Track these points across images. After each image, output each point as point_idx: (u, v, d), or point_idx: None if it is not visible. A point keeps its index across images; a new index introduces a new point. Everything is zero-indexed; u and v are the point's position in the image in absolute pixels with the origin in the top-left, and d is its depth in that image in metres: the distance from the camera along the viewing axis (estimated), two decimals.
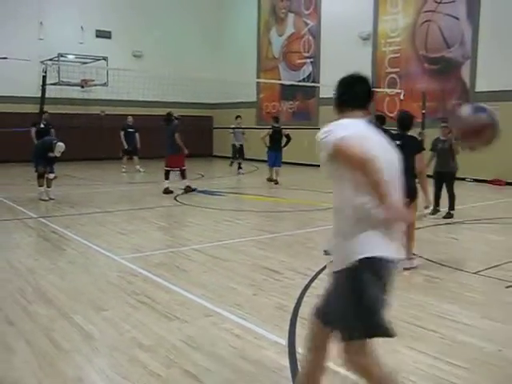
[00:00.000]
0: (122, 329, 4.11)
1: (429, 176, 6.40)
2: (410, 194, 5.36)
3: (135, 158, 16.59)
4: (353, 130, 2.51)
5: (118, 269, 5.82)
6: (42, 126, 12.96)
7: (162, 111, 20.91)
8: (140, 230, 8.02)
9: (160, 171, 12.75)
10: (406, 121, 5.89)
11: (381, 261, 2.48)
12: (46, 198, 10.64)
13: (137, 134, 16.48)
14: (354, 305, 2.47)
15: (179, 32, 22.59)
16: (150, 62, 20.98)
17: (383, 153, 2.56)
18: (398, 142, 5.05)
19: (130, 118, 16.64)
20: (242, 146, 16.68)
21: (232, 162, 17.49)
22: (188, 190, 11.99)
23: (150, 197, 11.52)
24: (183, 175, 12.05)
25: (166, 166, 12.05)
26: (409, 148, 5.34)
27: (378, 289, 2.48)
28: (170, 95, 17.36)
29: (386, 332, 2.53)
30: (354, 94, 2.72)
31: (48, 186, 10.79)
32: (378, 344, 2.62)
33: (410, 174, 5.41)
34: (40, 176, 10.71)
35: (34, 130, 13.86)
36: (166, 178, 11.97)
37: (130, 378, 3.34)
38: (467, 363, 3.58)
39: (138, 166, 16.55)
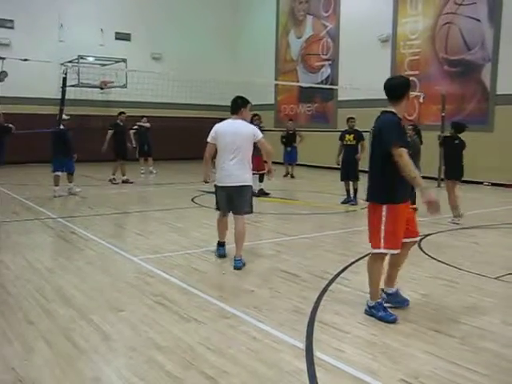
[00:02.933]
0: (139, 329, 4.13)
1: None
2: (462, 173, 9.04)
3: (149, 159, 16.63)
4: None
5: (135, 270, 5.86)
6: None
7: (181, 113, 21.22)
8: (157, 231, 8.06)
9: (173, 173, 12.78)
10: (460, 127, 9.10)
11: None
12: (66, 194, 11.44)
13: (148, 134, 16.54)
14: (250, 200, 6.07)
15: (198, 34, 22.70)
16: (169, 65, 21.09)
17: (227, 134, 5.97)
18: (456, 141, 8.99)
19: (144, 119, 16.67)
20: None
21: None
22: (261, 193, 11.69)
23: (167, 198, 11.58)
24: (260, 178, 11.70)
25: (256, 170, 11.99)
26: (462, 145, 8.98)
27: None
28: (188, 97, 17.40)
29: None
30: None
31: (69, 182, 11.66)
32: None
33: (462, 159, 9.02)
34: (58, 176, 11.43)
35: (110, 132, 14.00)
36: (260, 180, 11.72)
37: (147, 378, 3.35)
38: (486, 369, 3.53)
39: (151, 168, 16.61)
